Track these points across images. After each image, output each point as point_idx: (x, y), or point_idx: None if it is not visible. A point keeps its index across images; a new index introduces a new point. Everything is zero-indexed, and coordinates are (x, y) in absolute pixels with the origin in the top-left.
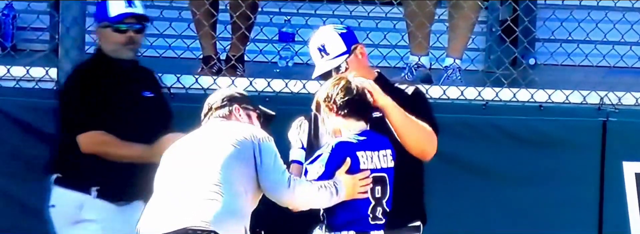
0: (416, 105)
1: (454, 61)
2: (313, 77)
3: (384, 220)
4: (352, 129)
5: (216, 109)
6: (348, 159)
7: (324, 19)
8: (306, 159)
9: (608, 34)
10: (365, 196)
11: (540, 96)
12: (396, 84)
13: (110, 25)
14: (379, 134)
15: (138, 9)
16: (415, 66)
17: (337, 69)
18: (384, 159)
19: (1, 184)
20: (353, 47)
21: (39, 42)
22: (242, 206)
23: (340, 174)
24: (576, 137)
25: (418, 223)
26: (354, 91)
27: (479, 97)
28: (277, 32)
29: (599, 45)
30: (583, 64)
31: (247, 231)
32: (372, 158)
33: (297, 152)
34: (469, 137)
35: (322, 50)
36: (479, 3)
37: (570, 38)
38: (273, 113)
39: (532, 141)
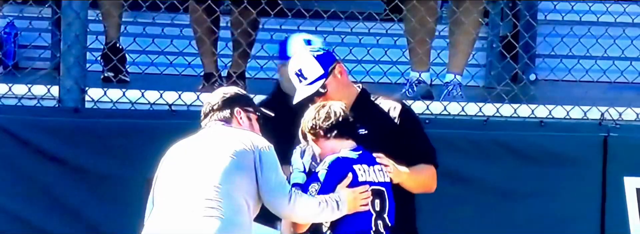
0: (408, 128)
1: (455, 76)
2: (294, 103)
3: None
4: (344, 147)
5: (217, 110)
6: (350, 174)
7: (325, 35)
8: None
9: (608, 49)
10: (366, 208)
11: (541, 111)
12: (379, 98)
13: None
14: (367, 151)
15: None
16: (416, 81)
17: (317, 93)
18: (380, 173)
19: (4, 202)
20: (330, 67)
21: (41, 60)
22: (244, 220)
23: (342, 188)
24: (577, 153)
25: None
26: (336, 114)
27: (480, 113)
28: (278, 49)
29: (599, 61)
30: (584, 80)
31: None
32: (369, 172)
33: (298, 176)
34: (469, 153)
35: (300, 75)
36: (480, 19)
37: (570, 54)
38: (272, 114)
39: (533, 156)
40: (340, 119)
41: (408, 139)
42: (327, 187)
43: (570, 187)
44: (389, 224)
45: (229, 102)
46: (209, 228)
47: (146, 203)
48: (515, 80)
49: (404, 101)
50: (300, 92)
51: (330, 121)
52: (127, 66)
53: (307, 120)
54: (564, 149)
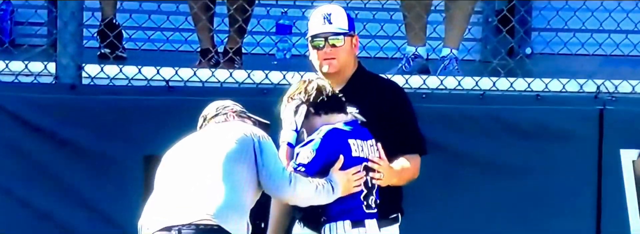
0: (399, 114)
1: (451, 51)
2: (311, 33)
3: (376, 209)
4: (338, 121)
5: (212, 118)
6: (341, 157)
7: None
8: (298, 142)
9: (604, 22)
10: (360, 188)
11: (537, 85)
12: (376, 78)
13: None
14: (361, 125)
15: None
16: (413, 56)
17: (336, 33)
18: (372, 148)
19: (0, 181)
20: (353, 32)
21: (37, 37)
22: (244, 201)
23: (334, 171)
24: (573, 126)
25: (396, 215)
26: (323, 89)
27: (476, 87)
28: (274, 25)
29: (595, 34)
30: (579, 53)
31: (249, 226)
32: (362, 147)
33: (289, 134)
34: (466, 127)
35: (327, 18)
36: None
37: (566, 27)
38: (268, 122)
39: (530, 130)
40: (329, 94)
41: (399, 126)
42: (318, 157)
43: (567, 160)
44: (377, 201)
45: (222, 109)
46: (211, 206)
47: (144, 179)
48: (511, 54)
49: (397, 84)
50: (322, 28)
51: (319, 98)
52: (123, 42)
53: (297, 93)
54: (560, 122)
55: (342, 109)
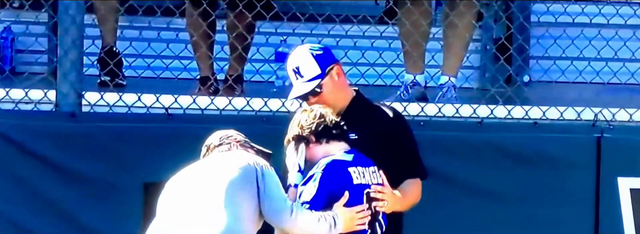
0: (399, 138)
1: (449, 79)
2: (289, 98)
3: None
4: (338, 150)
5: (215, 147)
6: (346, 194)
7: (320, 38)
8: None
9: (601, 51)
10: (362, 228)
11: (535, 112)
12: (374, 104)
13: None
14: (360, 153)
15: None
16: (411, 84)
17: (313, 92)
18: (374, 175)
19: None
20: (328, 68)
21: (38, 64)
22: (246, 230)
23: (338, 206)
24: (571, 154)
25: None
26: (324, 117)
27: (474, 115)
28: (273, 52)
29: (592, 62)
30: (577, 81)
31: None
32: (364, 174)
33: (295, 176)
34: (464, 155)
35: (297, 72)
36: (473, 22)
37: (563, 55)
38: (270, 152)
39: (527, 158)
40: (330, 122)
41: (398, 150)
42: (321, 190)
43: (564, 188)
44: (384, 226)
45: (226, 139)
46: None
47: (144, 206)
48: (509, 82)
49: (397, 110)
50: (296, 89)
51: (320, 126)
52: (123, 70)
53: (297, 126)
54: (558, 150)
55: (343, 138)
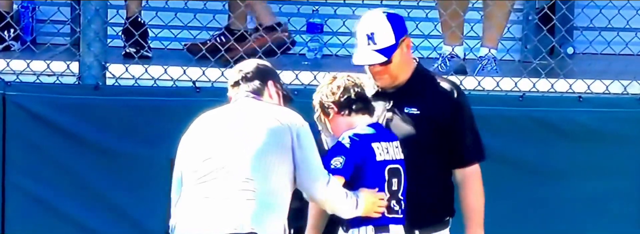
0: (460, 120)
1: (489, 50)
2: (355, 63)
3: (401, 213)
4: (360, 123)
5: (249, 79)
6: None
7: (353, 8)
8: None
9: None
10: (378, 215)
11: (579, 86)
12: (436, 78)
13: None
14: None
15: None
16: (449, 56)
17: (384, 62)
18: (397, 150)
19: (23, 183)
20: (401, 40)
21: (60, 35)
22: (279, 202)
23: (364, 189)
24: (616, 129)
25: (447, 218)
26: (351, 88)
27: (516, 88)
28: (305, 23)
29: (639, 33)
30: (623, 53)
31: (286, 228)
32: (387, 149)
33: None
34: (504, 130)
35: (371, 38)
36: None
37: (609, 26)
38: (292, 96)
39: (571, 133)
40: (357, 94)
41: (458, 133)
42: (349, 162)
43: (610, 164)
44: (403, 203)
45: (262, 73)
46: (244, 212)
47: (171, 182)
48: (552, 53)
49: (458, 86)
50: (365, 56)
51: (345, 96)
52: (149, 41)
53: (322, 95)
54: (603, 125)
55: (367, 111)
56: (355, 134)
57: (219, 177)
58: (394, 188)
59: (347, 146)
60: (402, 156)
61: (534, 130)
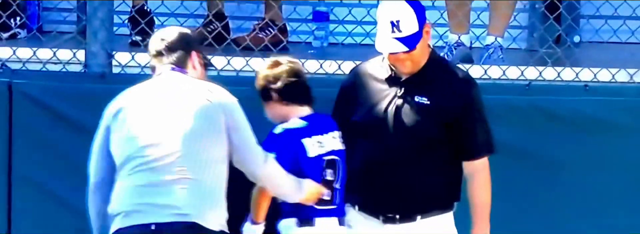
0: (471, 113)
1: (496, 39)
2: (380, 51)
3: (335, 204)
4: (296, 115)
5: (172, 50)
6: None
7: None
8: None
9: None
10: (312, 203)
11: (586, 75)
12: (449, 67)
13: None
14: (324, 115)
15: None
16: (455, 44)
17: (408, 50)
18: (333, 141)
19: (28, 173)
20: (423, 26)
21: (66, 23)
22: (215, 187)
23: (309, 180)
24: (623, 118)
25: (452, 203)
26: (297, 76)
27: (522, 77)
28: (311, 12)
29: None
30: (630, 41)
31: (225, 215)
32: (321, 143)
33: None
34: (510, 118)
35: (395, 26)
36: None
37: (616, 14)
38: (215, 67)
39: (578, 122)
40: (301, 83)
41: (469, 126)
42: (280, 159)
43: (616, 153)
44: (340, 192)
45: (185, 43)
46: (181, 201)
47: None
48: (559, 42)
49: (470, 76)
50: (390, 43)
51: (290, 84)
52: (155, 29)
53: (266, 80)
54: (610, 114)
55: (307, 102)
56: (286, 130)
57: (155, 166)
58: (329, 178)
59: (278, 143)
60: (340, 146)
61: (539, 119)
